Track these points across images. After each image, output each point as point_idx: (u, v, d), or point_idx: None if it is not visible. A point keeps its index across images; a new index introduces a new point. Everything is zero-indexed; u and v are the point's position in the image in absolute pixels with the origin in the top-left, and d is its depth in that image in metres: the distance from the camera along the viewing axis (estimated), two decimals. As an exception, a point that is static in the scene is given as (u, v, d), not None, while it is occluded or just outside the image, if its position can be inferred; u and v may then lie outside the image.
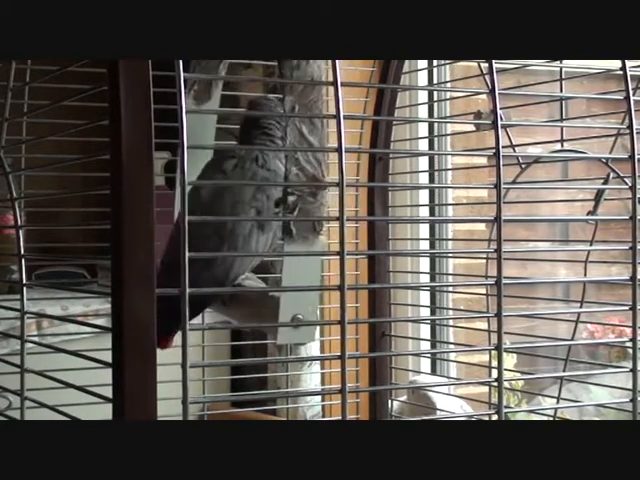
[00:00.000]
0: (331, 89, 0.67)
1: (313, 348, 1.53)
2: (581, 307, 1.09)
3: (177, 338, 0.84)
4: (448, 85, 1.73)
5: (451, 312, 1.79)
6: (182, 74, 0.61)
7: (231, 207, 0.94)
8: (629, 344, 0.80)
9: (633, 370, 0.79)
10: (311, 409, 1.54)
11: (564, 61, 0.97)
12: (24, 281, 0.89)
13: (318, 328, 0.86)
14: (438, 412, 1.28)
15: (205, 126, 1.05)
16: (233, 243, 0.93)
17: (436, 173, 1.77)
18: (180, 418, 0.61)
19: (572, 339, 1.10)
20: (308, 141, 0.84)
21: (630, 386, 0.80)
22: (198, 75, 1.04)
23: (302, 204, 0.84)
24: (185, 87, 0.61)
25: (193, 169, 1.02)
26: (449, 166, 1.76)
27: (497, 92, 0.73)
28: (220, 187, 0.97)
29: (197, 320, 1.11)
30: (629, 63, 0.79)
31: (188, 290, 0.61)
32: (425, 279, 1.67)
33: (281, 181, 0.95)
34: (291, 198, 0.85)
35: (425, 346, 1.66)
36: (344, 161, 0.66)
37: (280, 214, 0.93)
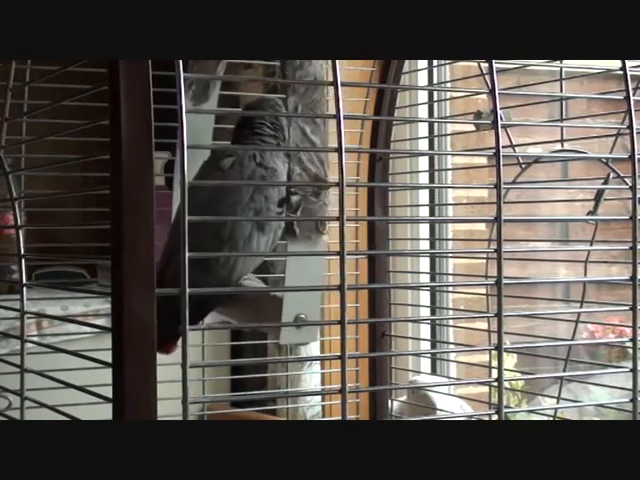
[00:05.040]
0: (331, 89, 0.67)
1: (313, 348, 1.53)
2: (581, 307, 1.09)
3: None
4: (448, 85, 1.73)
5: (451, 312, 1.79)
6: (182, 74, 0.61)
7: (229, 209, 0.93)
8: (629, 344, 0.80)
9: (633, 370, 0.79)
10: (311, 409, 1.54)
11: (564, 61, 0.97)
12: (24, 281, 0.89)
13: (319, 328, 0.86)
14: (438, 412, 1.28)
15: (203, 126, 1.05)
16: (234, 246, 0.93)
17: (436, 173, 1.77)
18: (180, 418, 0.61)
19: (572, 339, 1.10)
20: (311, 140, 0.84)
21: (630, 386, 0.80)
22: (198, 75, 1.04)
23: (305, 204, 0.84)
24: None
25: (191, 169, 1.02)
26: (449, 166, 1.76)
27: (497, 92, 0.73)
28: (217, 187, 0.96)
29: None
30: (629, 63, 0.79)
31: (188, 290, 0.61)
32: (425, 279, 1.67)
33: (280, 179, 0.94)
34: (294, 198, 0.84)
35: (425, 346, 1.66)
36: (344, 161, 0.66)
37: (283, 214, 0.92)
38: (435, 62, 1.45)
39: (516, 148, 1.05)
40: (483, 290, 1.16)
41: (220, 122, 1.10)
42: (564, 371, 1.11)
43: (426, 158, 1.70)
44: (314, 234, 0.82)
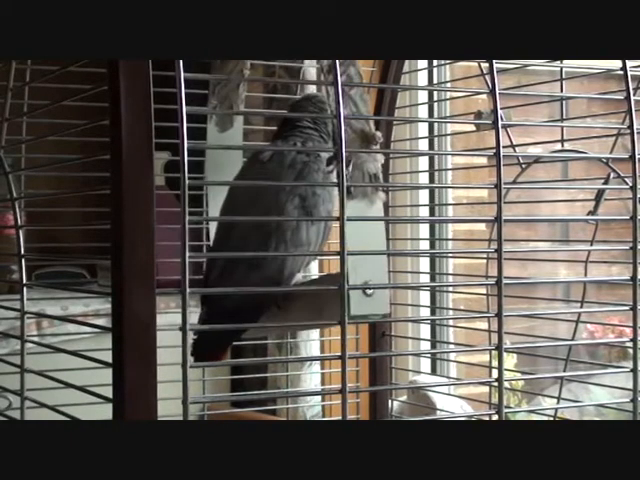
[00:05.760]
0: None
1: (313, 348, 1.53)
2: (581, 307, 1.09)
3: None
4: (448, 85, 1.73)
5: (451, 312, 1.79)
6: (182, 74, 0.61)
7: (274, 198, 0.89)
8: (629, 344, 0.80)
9: (633, 370, 0.79)
10: (311, 409, 1.54)
11: (564, 61, 0.97)
12: (24, 281, 0.89)
13: (389, 298, 0.77)
14: (438, 412, 1.28)
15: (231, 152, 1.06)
16: (281, 237, 0.88)
17: (436, 173, 1.77)
18: (180, 418, 0.61)
19: (572, 339, 1.10)
20: (352, 98, 0.82)
21: (630, 386, 0.80)
22: (198, 75, 1.04)
23: (355, 159, 0.81)
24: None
25: (221, 176, 1.02)
26: (449, 166, 1.76)
27: (497, 92, 0.73)
28: (258, 179, 0.93)
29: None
30: (629, 63, 0.79)
31: (189, 290, 0.61)
32: (425, 279, 1.67)
33: (323, 165, 0.92)
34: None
35: (425, 346, 1.66)
36: (344, 161, 0.66)
37: (334, 172, 0.88)
38: (435, 62, 1.45)
39: (516, 148, 1.05)
40: (483, 290, 1.16)
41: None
42: (564, 371, 1.11)
43: (426, 158, 1.70)
44: (370, 190, 0.79)
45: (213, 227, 1.01)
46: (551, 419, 1.10)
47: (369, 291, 0.74)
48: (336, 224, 0.67)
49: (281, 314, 0.92)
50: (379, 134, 0.80)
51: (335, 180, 0.89)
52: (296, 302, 0.91)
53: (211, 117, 1.07)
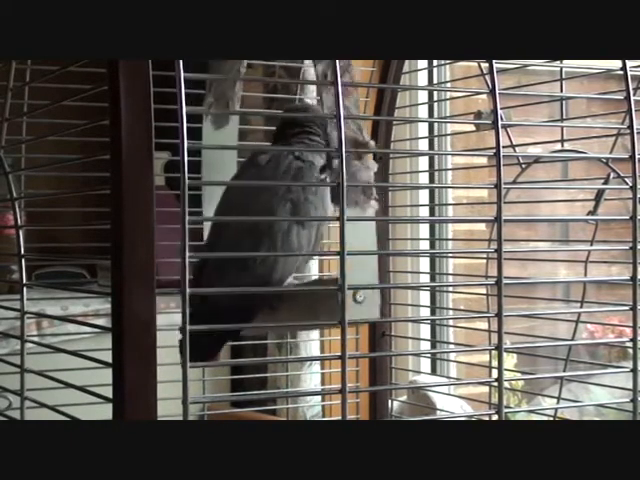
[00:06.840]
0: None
1: (313, 348, 1.53)
2: (581, 307, 1.09)
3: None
4: (448, 85, 1.73)
5: (451, 312, 1.79)
6: (182, 74, 0.61)
7: (266, 202, 0.90)
8: (629, 344, 0.80)
9: (633, 370, 0.79)
10: (311, 409, 1.54)
11: (564, 61, 0.97)
12: (24, 281, 0.89)
13: (380, 302, 0.78)
14: (438, 412, 1.28)
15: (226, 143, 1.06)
16: (272, 241, 0.89)
17: (436, 173, 1.77)
18: (180, 418, 0.61)
19: (572, 339, 1.10)
20: (345, 105, 0.82)
21: (630, 386, 0.80)
22: (198, 75, 1.04)
23: (348, 167, 0.82)
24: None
25: (216, 176, 1.02)
26: (449, 166, 1.76)
27: (497, 92, 0.73)
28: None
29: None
30: (629, 63, 0.79)
31: (188, 290, 0.61)
32: (425, 279, 1.67)
33: (317, 173, 0.92)
34: (336, 162, 0.83)
35: (425, 346, 1.66)
36: (344, 161, 0.66)
37: (327, 179, 0.89)
38: (435, 62, 1.45)
39: (516, 148, 1.05)
40: (483, 290, 1.16)
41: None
42: (564, 371, 1.11)
43: (426, 158, 1.70)
44: (362, 198, 0.80)
45: (207, 228, 1.01)
46: (551, 419, 1.10)
47: (360, 298, 0.75)
48: (335, 224, 0.67)
49: (275, 315, 0.92)
50: (372, 143, 0.80)
51: (328, 189, 0.90)
52: (291, 303, 0.91)
53: (207, 115, 1.07)
